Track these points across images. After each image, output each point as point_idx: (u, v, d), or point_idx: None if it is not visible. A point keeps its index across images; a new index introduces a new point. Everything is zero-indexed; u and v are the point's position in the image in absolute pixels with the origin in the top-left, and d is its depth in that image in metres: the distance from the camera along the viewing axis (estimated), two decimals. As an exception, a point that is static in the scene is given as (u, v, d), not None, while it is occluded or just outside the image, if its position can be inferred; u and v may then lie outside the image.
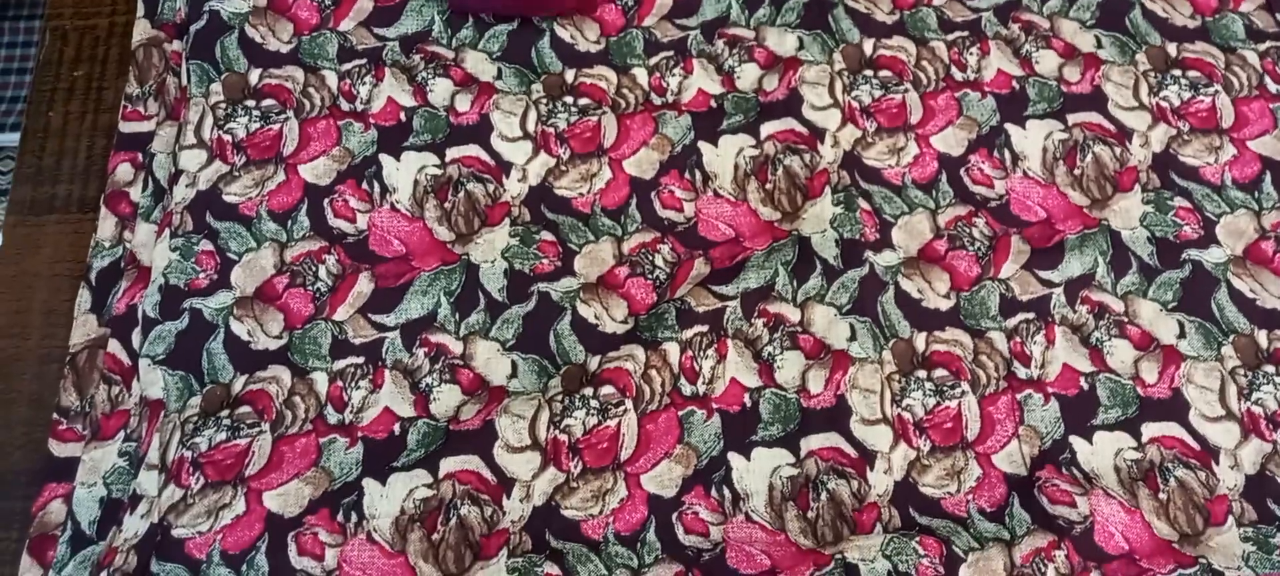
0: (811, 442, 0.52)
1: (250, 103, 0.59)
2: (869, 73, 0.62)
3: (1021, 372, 0.54)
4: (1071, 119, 0.61)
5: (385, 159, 0.58)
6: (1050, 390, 0.53)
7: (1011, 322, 0.55)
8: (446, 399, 0.52)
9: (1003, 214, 0.58)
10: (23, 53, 1.59)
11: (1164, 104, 0.62)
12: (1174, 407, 0.53)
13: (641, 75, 0.62)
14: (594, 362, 0.53)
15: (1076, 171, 0.59)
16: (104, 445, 0.51)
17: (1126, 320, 0.55)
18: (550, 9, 0.62)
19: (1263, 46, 0.64)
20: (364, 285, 0.55)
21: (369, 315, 0.54)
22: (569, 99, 0.60)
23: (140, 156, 0.59)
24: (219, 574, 0.47)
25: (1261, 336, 0.55)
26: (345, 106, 0.60)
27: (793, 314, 0.55)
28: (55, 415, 0.52)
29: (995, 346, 0.54)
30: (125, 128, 0.60)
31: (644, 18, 0.63)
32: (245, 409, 0.51)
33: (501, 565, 0.48)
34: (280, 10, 0.62)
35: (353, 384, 0.52)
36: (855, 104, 0.61)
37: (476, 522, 0.49)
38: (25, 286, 0.56)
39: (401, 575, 0.48)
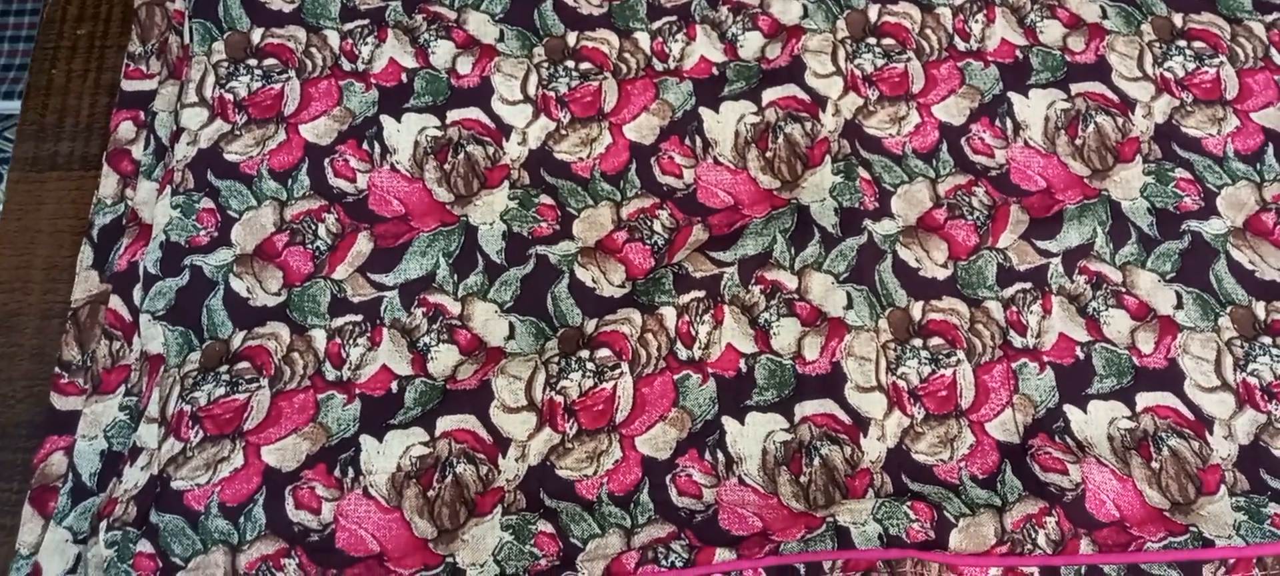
0: (806, 409, 0.52)
1: (252, 62, 0.59)
2: (872, 40, 0.62)
3: (1017, 342, 0.54)
4: (1074, 88, 0.61)
5: (386, 120, 0.58)
6: (1046, 359, 0.53)
7: (1008, 292, 0.55)
8: (444, 359, 0.52)
9: (1003, 183, 0.58)
10: (15, 21, 1.60)
11: (1168, 75, 0.61)
12: (1169, 378, 0.53)
13: (644, 40, 0.61)
14: (591, 325, 0.53)
15: (1078, 142, 0.59)
16: (105, 399, 0.52)
17: (1124, 290, 0.55)
18: None
19: (1270, 18, 0.63)
20: (363, 244, 0.55)
21: (368, 274, 0.54)
22: (570, 63, 0.60)
23: (142, 115, 0.59)
24: (217, 525, 0.48)
25: (1259, 308, 0.55)
26: (347, 67, 0.60)
27: (790, 281, 0.55)
28: (57, 369, 0.53)
29: (991, 315, 0.54)
30: (128, 86, 0.60)
31: None
32: (244, 364, 0.51)
33: (496, 522, 0.49)
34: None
35: (351, 341, 0.52)
36: (857, 72, 0.61)
37: (472, 481, 0.49)
38: (28, 242, 0.57)
39: (397, 530, 0.48)
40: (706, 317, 0.54)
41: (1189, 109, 0.60)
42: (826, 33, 0.62)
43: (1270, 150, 0.59)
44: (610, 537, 0.49)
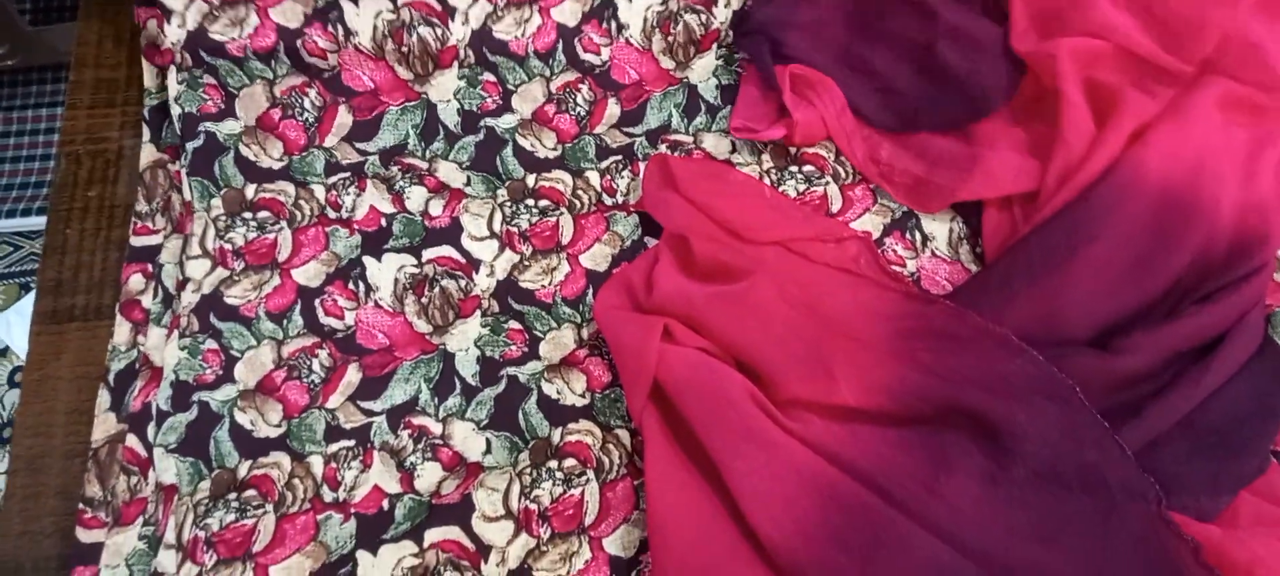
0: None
1: (247, 215, 0.67)
2: None
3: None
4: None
5: (368, 261, 0.65)
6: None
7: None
8: (428, 476, 0.59)
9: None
10: (30, 139, 1.69)
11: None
12: None
13: (594, 178, 0.69)
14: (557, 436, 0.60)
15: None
16: (125, 530, 0.58)
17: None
18: None
19: None
20: (352, 375, 0.62)
21: (358, 403, 0.61)
22: (530, 201, 0.68)
23: (150, 267, 0.66)
24: None
25: None
26: (332, 215, 0.67)
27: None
28: (81, 505, 0.59)
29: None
30: (136, 242, 0.67)
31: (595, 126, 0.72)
32: (251, 492, 0.58)
33: None
34: (268, 128, 0.70)
35: (345, 465, 0.59)
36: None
37: (457, 584, 0.56)
38: (50, 389, 0.63)
39: None
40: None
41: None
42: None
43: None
44: None
